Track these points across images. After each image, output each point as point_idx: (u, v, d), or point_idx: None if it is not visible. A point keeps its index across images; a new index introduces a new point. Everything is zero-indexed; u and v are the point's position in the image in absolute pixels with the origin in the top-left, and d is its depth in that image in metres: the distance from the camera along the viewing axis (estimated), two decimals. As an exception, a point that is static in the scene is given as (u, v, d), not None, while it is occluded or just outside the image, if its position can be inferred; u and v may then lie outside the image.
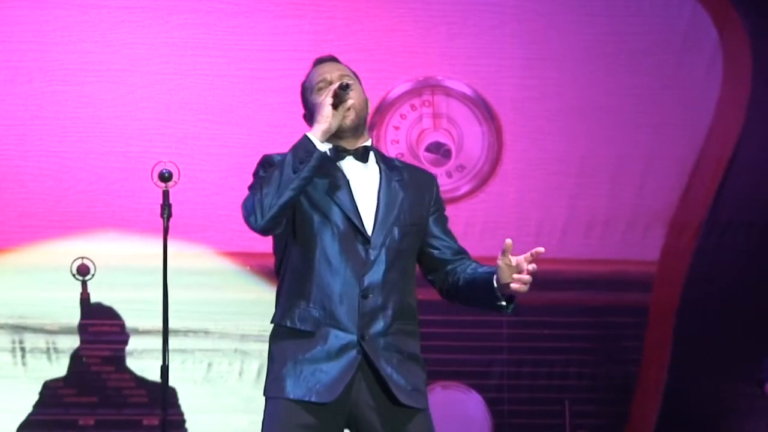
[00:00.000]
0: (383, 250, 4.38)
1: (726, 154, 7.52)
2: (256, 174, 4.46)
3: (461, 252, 4.52)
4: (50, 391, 6.92)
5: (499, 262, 4.20)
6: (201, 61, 7.28)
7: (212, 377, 7.05)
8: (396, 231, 4.41)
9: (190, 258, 6.81)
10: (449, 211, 7.08)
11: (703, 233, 7.48)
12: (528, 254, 4.15)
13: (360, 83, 4.45)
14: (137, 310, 6.81)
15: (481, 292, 4.35)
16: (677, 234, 7.45)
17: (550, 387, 7.26)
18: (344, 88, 4.28)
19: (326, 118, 4.26)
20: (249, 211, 4.33)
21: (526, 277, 4.12)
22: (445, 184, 7.16)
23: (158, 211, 5.91)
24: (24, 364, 6.92)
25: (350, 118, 4.32)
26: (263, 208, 4.29)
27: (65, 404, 6.93)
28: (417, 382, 4.37)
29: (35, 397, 6.88)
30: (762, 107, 7.57)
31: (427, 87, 7.26)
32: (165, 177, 5.91)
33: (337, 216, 4.37)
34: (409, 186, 4.45)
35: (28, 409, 6.89)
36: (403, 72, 7.35)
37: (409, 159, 7.13)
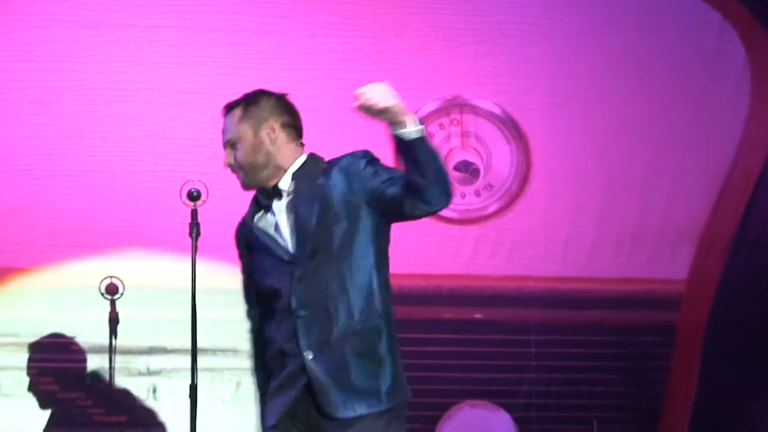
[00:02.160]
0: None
1: (755, 171, 7.40)
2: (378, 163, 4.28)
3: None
4: (80, 410, 6.83)
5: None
6: (229, 80, 7.02)
7: (241, 396, 6.91)
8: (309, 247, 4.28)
9: (219, 277, 6.48)
10: (477, 230, 7.29)
11: (732, 251, 7.36)
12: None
13: (252, 128, 4.33)
14: (166, 329, 6.72)
15: (403, 156, 4.18)
16: (705, 252, 7.34)
17: (578, 406, 7.12)
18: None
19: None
20: (449, 187, 4.16)
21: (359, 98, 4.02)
22: (473, 203, 7.14)
23: (187, 230, 5.63)
24: (55, 383, 6.82)
25: (240, 177, 4.37)
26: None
27: (94, 423, 6.85)
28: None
29: (66, 416, 6.82)
30: None
31: (455, 106, 7.14)
32: (194, 196, 5.74)
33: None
34: (317, 197, 4.29)
35: (61, 428, 6.82)
36: (432, 91, 7.22)
37: (437, 178, 6.98)
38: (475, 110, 7.20)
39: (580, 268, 7.20)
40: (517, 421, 7.02)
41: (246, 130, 4.34)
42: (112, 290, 6.80)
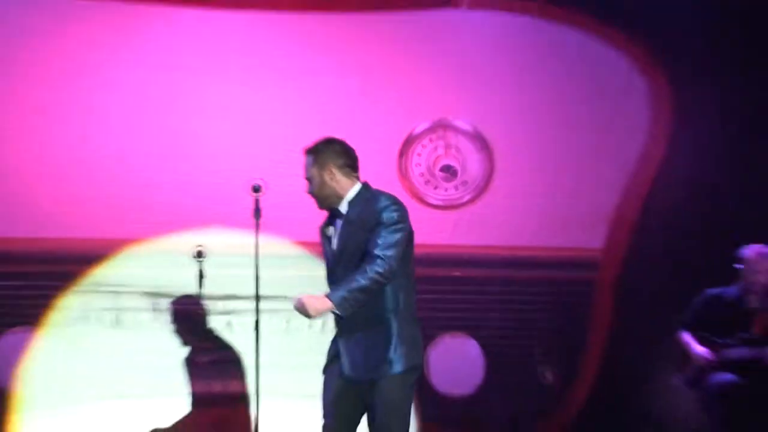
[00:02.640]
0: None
1: (651, 173, 7.97)
2: (399, 221, 4.89)
3: (370, 255, 4.83)
4: (177, 339, 7.46)
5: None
6: (272, 103, 7.64)
7: (290, 329, 7.51)
8: (344, 256, 4.96)
9: (274, 247, 7.21)
10: (456, 214, 7.51)
11: (635, 230, 7.96)
12: None
13: (318, 171, 4.97)
14: (238, 283, 7.22)
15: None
16: (616, 230, 7.93)
17: (528, 336, 7.72)
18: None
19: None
20: (391, 265, 4.81)
21: None
22: (453, 195, 7.70)
23: (251, 213, 6.47)
24: (158, 319, 7.47)
25: (317, 204, 5.03)
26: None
27: (188, 347, 7.45)
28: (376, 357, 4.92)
29: (167, 342, 7.43)
30: (679, 137, 7.97)
31: (440, 126, 7.74)
32: (257, 189, 6.51)
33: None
34: (354, 222, 4.95)
35: (163, 351, 7.42)
36: (424, 114, 7.70)
37: (427, 177, 7.59)
38: (455, 129, 7.81)
39: (530, 240, 7.69)
40: (483, 346, 7.67)
41: (315, 172, 4.99)
42: (199, 255, 7.42)
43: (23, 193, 7.43)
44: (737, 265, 7.14)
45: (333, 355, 5.09)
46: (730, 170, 7.97)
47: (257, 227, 6.45)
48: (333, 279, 4.96)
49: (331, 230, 5.04)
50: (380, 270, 4.75)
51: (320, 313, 4.81)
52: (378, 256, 4.77)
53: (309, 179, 5.03)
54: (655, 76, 8.03)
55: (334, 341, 5.11)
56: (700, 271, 7.60)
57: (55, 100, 7.54)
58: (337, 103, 7.68)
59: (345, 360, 4.97)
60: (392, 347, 4.92)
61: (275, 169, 7.24)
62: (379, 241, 4.79)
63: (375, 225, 4.86)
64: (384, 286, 4.84)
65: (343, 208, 4.99)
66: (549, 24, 7.91)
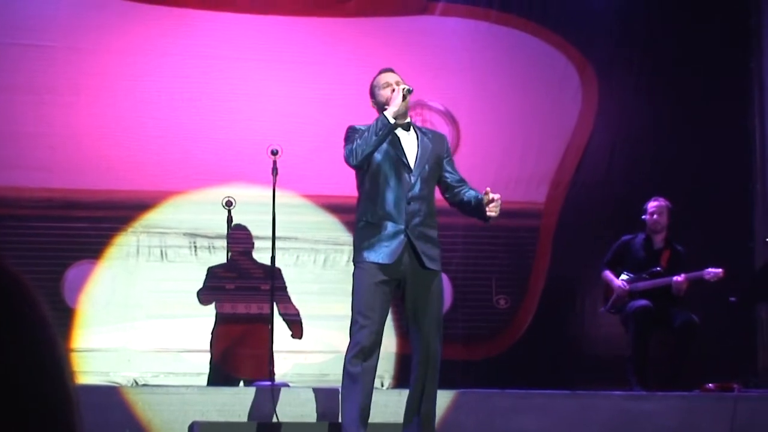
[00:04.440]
0: (419, 177, 4.84)
1: (582, 145, 8.22)
2: (348, 135, 4.89)
3: (462, 181, 4.98)
4: (210, 270, 7.55)
5: (482, 197, 4.77)
6: (285, 91, 7.75)
7: (299, 263, 7.69)
8: (426, 166, 4.88)
9: (288, 198, 7.29)
10: None
11: (569, 187, 8.15)
12: (497, 195, 4.75)
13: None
14: (259, 226, 7.27)
15: (471, 208, 4.89)
16: (555, 187, 8.13)
17: (485, 271, 7.91)
18: (410, 91, 4.80)
19: (397, 105, 4.76)
20: (348, 155, 4.81)
21: (496, 203, 4.69)
22: None
23: (270, 171, 6.53)
24: (196, 255, 7.60)
25: (406, 105, 4.88)
26: (357, 154, 4.78)
27: (219, 277, 7.56)
28: (435, 255, 4.85)
29: (202, 274, 7.53)
30: (603, 118, 8.22)
31: (418, 105, 7.71)
32: (274, 152, 6.51)
33: (393, 157, 4.86)
34: (433, 141, 4.96)
35: (199, 280, 7.51)
36: None
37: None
38: (430, 108, 7.92)
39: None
40: (451, 279, 7.68)
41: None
42: (229, 204, 7.45)
43: (89, 153, 7.54)
44: (643, 216, 7.44)
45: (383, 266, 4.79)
46: (643, 139, 8.27)
47: (274, 183, 6.51)
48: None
49: (398, 132, 4.92)
50: None
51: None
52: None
53: (410, 89, 4.90)
54: (585, 69, 8.26)
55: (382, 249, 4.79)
56: (618, 220, 7.80)
57: (117, 81, 7.70)
58: (335, 88, 7.76)
59: (422, 255, 4.80)
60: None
61: (288, 138, 7.36)
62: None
63: (448, 155, 5.08)
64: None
65: (410, 125, 5.01)
66: (503, 28, 8.13)
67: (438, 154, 4.91)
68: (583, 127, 8.17)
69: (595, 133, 8.18)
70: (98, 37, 7.64)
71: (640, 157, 8.18)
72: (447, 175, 4.94)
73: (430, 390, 4.85)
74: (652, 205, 7.45)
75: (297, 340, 7.53)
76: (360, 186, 4.94)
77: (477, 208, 4.80)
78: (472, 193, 4.87)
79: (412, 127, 4.94)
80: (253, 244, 7.66)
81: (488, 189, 4.67)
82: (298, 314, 7.60)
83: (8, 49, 7.48)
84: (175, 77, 7.71)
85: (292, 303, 7.58)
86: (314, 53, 7.86)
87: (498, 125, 7.92)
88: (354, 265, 4.86)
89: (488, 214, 4.67)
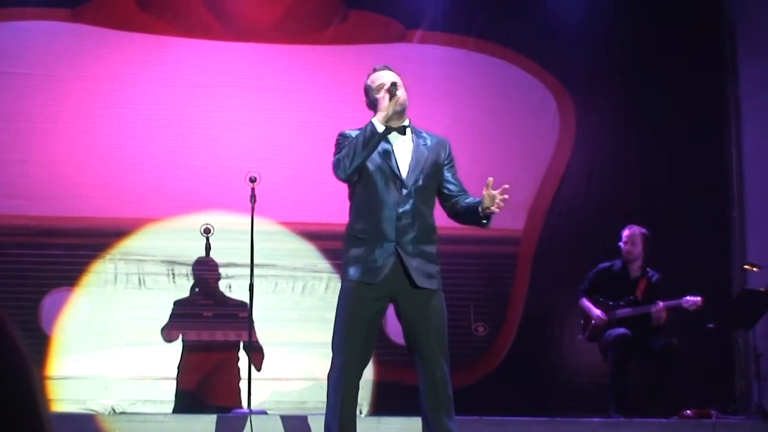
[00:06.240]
0: (412, 189, 4.42)
1: (560, 173, 8.16)
2: (338, 142, 4.45)
3: (462, 190, 4.56)
4: (187, 296, 7.47)
5: (484, 192, 4.33)
6: (267, 108, 7.65)
7: (278, 290, 7.59)
8: (421, 178, 4.44)
9: (266, 225, 7.26)
10: None
11: (546, 215, 8.09)
12: (500, 189, 4.31)
13: (403, 86, 4.48)
14: (237, 253, 7.26)
15: (472, 214, 4.43)
16: (533, 215, 8.08)
17: (463, 298, 7.71)
18: (393, 86, 4.34)
19: (386, 109, 4.32)
20: (336, 165, 4.37)
21: (499, 201, 4.27)
22: None
23: (248, 199, 6.52)
24: (174, 282, 7.49)
25: (398, 103, 4.39)
26: (345, 166, 4.34)
27: (195, 304, 7.48)
28: (432, 272, 4.39)
29: (179, 300, 7.44)
30: (581, 145, 8.18)
31: None
32: (252, 179, 6.50)
33: (384, 168, 4.41)
34: (430, 148, 4.52)
35: (175, 307, 7.43)
36: None
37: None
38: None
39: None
40: None
41: (402, 86, 4.52)
42: (207, 231, 7.46)
43: (66, 180, 7.50)
44: (619, 243, 7.39)
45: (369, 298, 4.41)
46: (620, 167, 8.23)
47: (252, 210, 6.50)
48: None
49: (391, 138, 4.52)
50: None
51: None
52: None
53: (396, 85, 4.52)
54: (562, 96, 8.24)
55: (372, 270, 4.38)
56: (597, 248, 7.68)
57: (94, 108, 7.65)
58: (313, 115, 7.73)
59: (414, 273, 4.39)
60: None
61: (267, 165, 7.35)
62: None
63: (449, 162, 4.71)
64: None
65: (406, 129, 4.61)
66: (481, 56, 8.10)
67: (436, 161, 4.51)
68: (561, 155, 8.16)
69: (573, 160, 8.16)
70: (75, 64, 7.64)
71: (618, 185, 8.15)
72: (446, 184, 4.55)
73: (437, 422, 4.41)
74: (625, 234, 7.41)
75: (275, 368, 7.44)
76: (351, 197, 4.55)
77: (475, 212, 4.41)
78: (470, 199, 4.49)
79: (409, 131, 4.54)
80: (231, 271, 7.59)
81: (491, 179, 4.30)
82: (276, 343, 7.48)
83: (-15, 77, 7.48)
84: (152, 104, 7.66)
85: (270, 331, 7.45)
86: (292, 80, 7.82)
87: (475, 152, 7.79)
88: (341, 281, 4.59)
89: (492, 209, 4.28)
